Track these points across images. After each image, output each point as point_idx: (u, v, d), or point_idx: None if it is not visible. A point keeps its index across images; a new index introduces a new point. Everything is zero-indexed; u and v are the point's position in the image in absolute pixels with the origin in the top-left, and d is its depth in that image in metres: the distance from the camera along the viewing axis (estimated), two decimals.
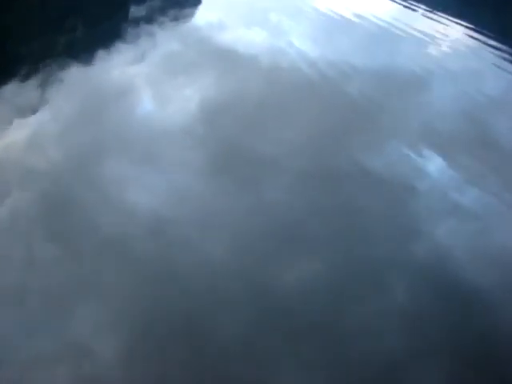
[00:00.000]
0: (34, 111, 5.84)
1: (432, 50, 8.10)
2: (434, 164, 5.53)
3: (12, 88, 6.22)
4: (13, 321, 3.66)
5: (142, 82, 6.41)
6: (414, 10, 10.03)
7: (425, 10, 10.04)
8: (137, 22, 8.40)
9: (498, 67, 7.59)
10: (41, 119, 5.72)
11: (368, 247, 4.44)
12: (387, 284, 4.15)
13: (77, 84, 6.41)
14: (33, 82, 6.49)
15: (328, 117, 6.14)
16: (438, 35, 8.78)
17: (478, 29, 9.14)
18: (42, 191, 4.66)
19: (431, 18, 9.66)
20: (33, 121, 5.69)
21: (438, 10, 9.96)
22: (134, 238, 4.26)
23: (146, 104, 6.09)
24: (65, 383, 3.39)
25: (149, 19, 8.51)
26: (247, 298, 3.95)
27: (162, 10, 9.05)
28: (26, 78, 6.56)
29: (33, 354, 3.51)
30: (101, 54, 7.03)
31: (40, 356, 3.55)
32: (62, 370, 3.49)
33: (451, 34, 8.94)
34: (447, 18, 9.57)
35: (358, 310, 3.95)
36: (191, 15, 9.04)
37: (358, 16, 9.42)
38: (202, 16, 9.03)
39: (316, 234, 4.56)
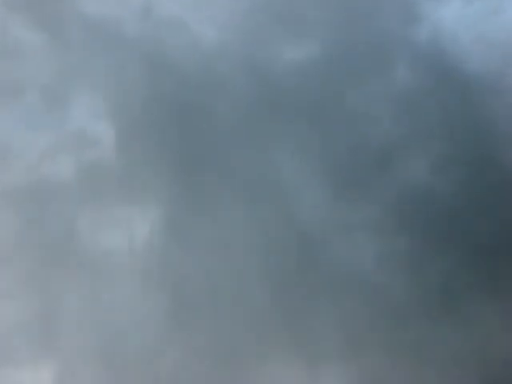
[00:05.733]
0: None
1: None
2: None
3: None
4: (13, 116, 3.60)
5: None
6: None
7: None
8: None
9: None
10: None
11: (371, 28, 4.26)
12: (389, 65, 4.05)
13: None
14: None
15: None
16: None
17: None
18: None
19: None
20: None
21: None
22: (122, 21, 4.06)
23: None
24: (69, 171, 3.42)
25: None
26: (246, 80, 3.87)
27: None
28: None
29: (38, 146, 3.49)
30: None
31: (45, 147, 3.54)
32: (67, 158, 3.51)
33: None
34: None
35: (358, 93, 3.88)
36: None
37: None
38: None
39: (316, 13, 4.36)
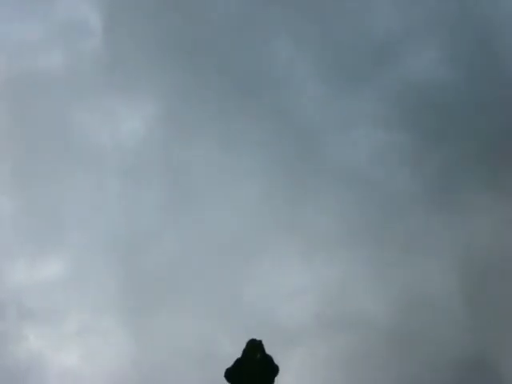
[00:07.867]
0: None
1: None
2: None
3: None
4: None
5: None
6: None
7: None
8: None
9: None
10: None
11: None
12: None
13: None
14: None
15: None
16: None
17: None
18: None
19: None
20: None
21: None
22: None
23: None
24: (58, 62, 3.24)
25: None
26: None
27: None
28: None
29: (24, 38, 3.30)
30: None
31: (31, 38, 3.36)
32: (54, 49, 3.33)
33: None
34: None
35: None
36: None
37: None
38: None
39: None
